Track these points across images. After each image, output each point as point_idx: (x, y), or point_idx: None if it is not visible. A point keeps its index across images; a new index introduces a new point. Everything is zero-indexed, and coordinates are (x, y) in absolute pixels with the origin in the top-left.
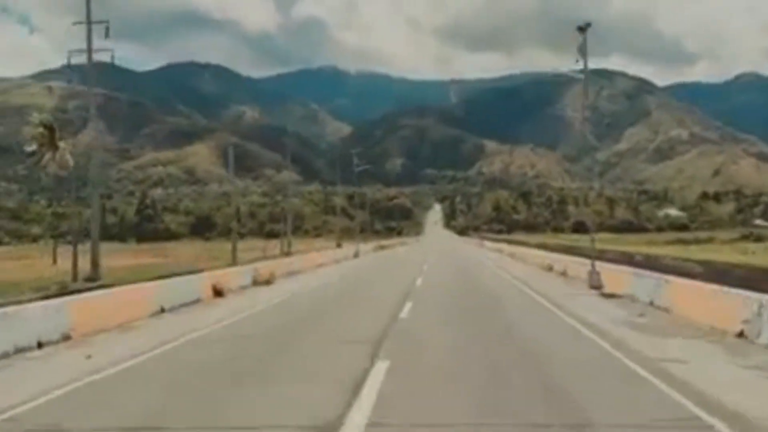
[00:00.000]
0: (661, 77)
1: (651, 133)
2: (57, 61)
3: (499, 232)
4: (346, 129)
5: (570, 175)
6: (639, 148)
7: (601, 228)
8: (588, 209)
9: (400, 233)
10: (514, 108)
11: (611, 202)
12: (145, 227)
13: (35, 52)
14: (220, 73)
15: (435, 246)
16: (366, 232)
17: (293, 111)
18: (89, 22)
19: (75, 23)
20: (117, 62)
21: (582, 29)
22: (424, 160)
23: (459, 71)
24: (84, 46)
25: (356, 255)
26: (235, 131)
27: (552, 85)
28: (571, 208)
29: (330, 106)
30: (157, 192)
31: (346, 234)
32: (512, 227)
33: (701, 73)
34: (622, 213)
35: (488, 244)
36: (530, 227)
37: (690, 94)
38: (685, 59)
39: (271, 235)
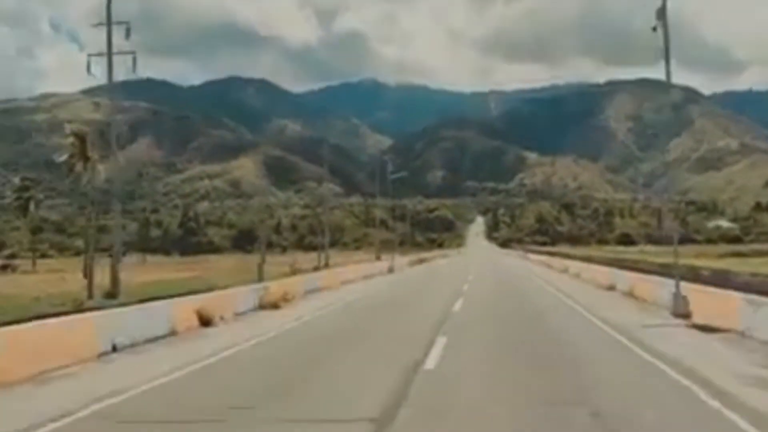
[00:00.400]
0: (708, 86)
1: (695, 142)
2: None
3: (543, 244)
4: (386, 142)
5: (613, 186)
6: (683, 158)
7: (648, 240)
8: (674, 221)
9: (441, 245)
10: (556, 119)
11: (658, 214)
12: (188, 240)
13: (84, 68)
14: (263, 87)
15: (476, 259)
16: (406, 244)
17: (334, 124)
18: (109, 23)
19: (96, 24)
20: (164, 77)
21: None
22: (465, 172)
23: (499, 82)
24: (126, 58)
25: (391, 270)
26: (277, 145)
27: (594, 96)
28: (617, 220)
29: (370, 119)
30: (203, 205)
31: (387, 246)
32: (556, 239)
33: (751, 81)
34: (669, 225)
35: (533, 256)
36: (574, 239)
37: (739, 102)
38: (734, 67)
39: (311, 248)
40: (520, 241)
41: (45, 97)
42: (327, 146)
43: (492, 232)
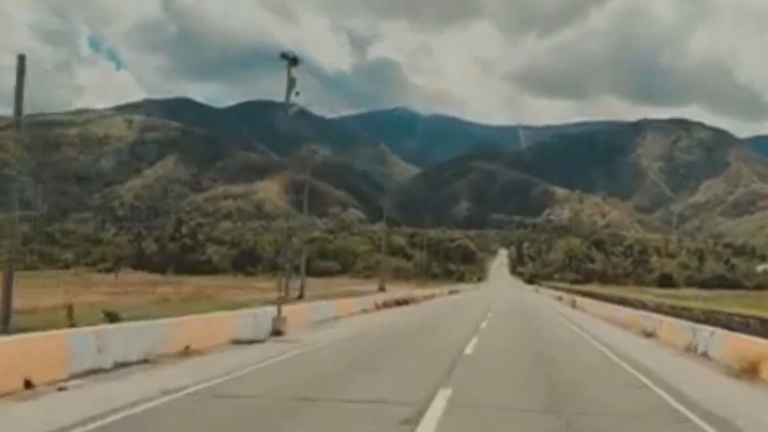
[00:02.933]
0: (740, 128)
1: (729, 185)
2: (139, 95)
3: (573, 282)
4: (414, 170)
5: (643, 226)
6: (716, 200)
7: (689, 282)
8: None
9: (460, 278)
10: (585, 155)
11: (700, 254)
12: (186, 258)
13: (120, 86)
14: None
15: (498, 297)
16: (419, 276)
17: (363, 151)
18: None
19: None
20: (199, 99)
21: None
22: (491, 204)
23: (529, 116)
24: (165, 82)
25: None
26: (305, 168)
27: (625, 134)
28: (654, 259)
29: (400, 147)
30: (225, 225)
31: (401, 275)
32: (587, 277)
33: None
34: (711, 267)
35: (580, 301)
36: (608, 278)
37: None
38: (765, 111)
39: (321, 273)
40: (547, 278)
41: (79, 112)
42: (355, 173)
43: (517, 266)
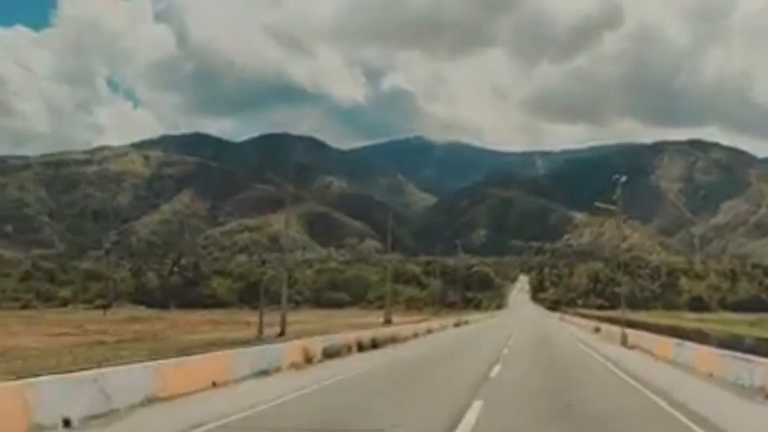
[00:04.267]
0: (758, 148)
1: (751, 206)
2: (155, 132)
3: (599, 307)
4: (431, 199)
5: (665, 249)
6: (738, 221)
7: (723, 305)
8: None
9: (478, 306)
10: (604, 179)
11: (732, 276)
12: (188, 292)
13: (137, 123)
14: (311, 143)
15: (516, 327)
16: (435, 305)
17: (380, 182)
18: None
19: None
20: (216, 134)
21: None
22: (510, 231)
23: (546, 142)
24: (182, 119)
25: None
26: (321, 200)
27: (642, 156)
28: (683, 282)
29: (416, 176)
30: (241, 258)
31: (414, 305)
32: (614, 302)
33: None
34: (744, 288)
35: (632, 336)
36: (636, 302)
37: None
38: None
39: (331, 304)
40: (571, 303)
41: (97, 150)
42: (373, 203)
43: (538, 292)
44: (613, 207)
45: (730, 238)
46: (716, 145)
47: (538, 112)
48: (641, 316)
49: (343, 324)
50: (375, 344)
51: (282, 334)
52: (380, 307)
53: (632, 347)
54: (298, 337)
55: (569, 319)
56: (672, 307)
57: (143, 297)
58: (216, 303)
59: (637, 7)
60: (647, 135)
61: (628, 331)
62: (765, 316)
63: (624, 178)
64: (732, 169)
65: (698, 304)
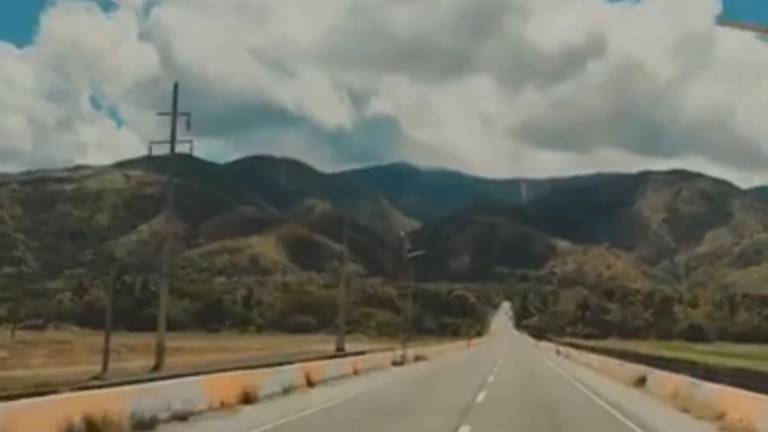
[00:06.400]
0: (741, 179)
1: (735, 236)
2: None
3: (589, 336)
4: (415, 224)
5: (648, 277)
6: (722, 251)
7: (723, 335)
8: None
9: (456, 332)
10: (588, 207)
11: (731, 305)
12: (139, 314)
13: (119, 142)
14: (295, 167)
15: (494, 364)
16: (409, 331)
17: (363, 206)
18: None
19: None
20: (198, 155)
21: None
22: (493, 257)
23: (530, 169)
24: (165, 138)
25: None
26: (303, 223)
27: (626, 185)
28: (677, 309)
29: (400, 201)
30: (220, 280)
31: (386, 331)
32: (604, 331)
33: None
34: (743, 317)
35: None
36: (627, 331)
37: None
38: (766, 162)
39: (296, 329)
40: (559, 332)
41: (77, 168)
42: (353, 227)
43: (522, 319)
44: None
45: (714, 268)
46: (700, 176)
47: (523, 139)
48: (640, 346)
49: (274, 354)
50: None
51: (156, 368)
52: (349, 332)
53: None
54: (198, 368)
55: (568, 354)
56: (667, 336)
57: (90, 317)
58: (168, 325)
59: (620, 38)
60: (631, 164)
61: (648, 372)
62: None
63: None
64: (715, 199)
65: (696, 334)
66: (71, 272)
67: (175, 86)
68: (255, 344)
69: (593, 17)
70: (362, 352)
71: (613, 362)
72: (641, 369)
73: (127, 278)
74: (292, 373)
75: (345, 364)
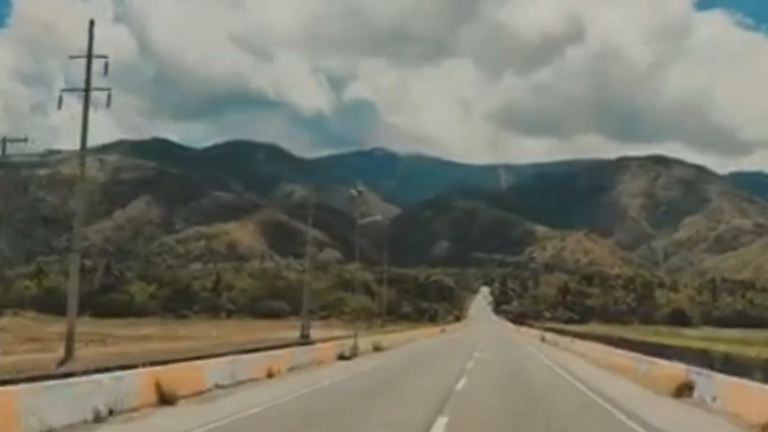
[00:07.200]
0: (719, 165)
1: (711, 222)
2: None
3: (569, 321)
4: (394, 210)
5: (626, 263)
6: (699, 237)
7: (707, 320)
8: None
9: (433, 318)
10: (566, 194)
11: (713, 289)
12: (105, 298)
13: (95, 127)
14: (273, 152)
15: (474, 358)
16: (383, 316)
17: (342, 192)
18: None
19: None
20: (176, 139)
21: None
22: (472, 243)
23: (509, 155)
24: (142, 123)
25: None
26: (282, 209)
27: (605, 171)
28: (659, 294)
29: (379, 187)
30: (197, 267)
31: (364, 316)
32: (585, 315)
33: (760, 163)
34: (726, 302)
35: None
36: (609, 316)
37: (750, 183)
38: (743, 148)
39: (268, 314)
40: (538, 316)
41: (50, 153)
42: (329, 211)
43: (501, 304)
44: None
45: (691, 253)
46: (678, 162)
47: (502, 124)
48: (624, 331)
49: (225, 343)
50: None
51: (63, 362)
52: (324, 318)
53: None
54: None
55: (555, 341)
56: (650, 321)
57: (51, 303)
58: (135, 311)
59: (599, 25)
60: (610, 150)
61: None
62: (758, 334)
63: None
64: (692, 185)
65: (679, 319)
66: (45, 259)
67: (91, 24)
68: (213, 332)
69: (573, 3)
70: (327, 339)
71: (620, 354)
72: (678, 369)
73: (87, 262)
74: (131, 384)
75: (255, 363)
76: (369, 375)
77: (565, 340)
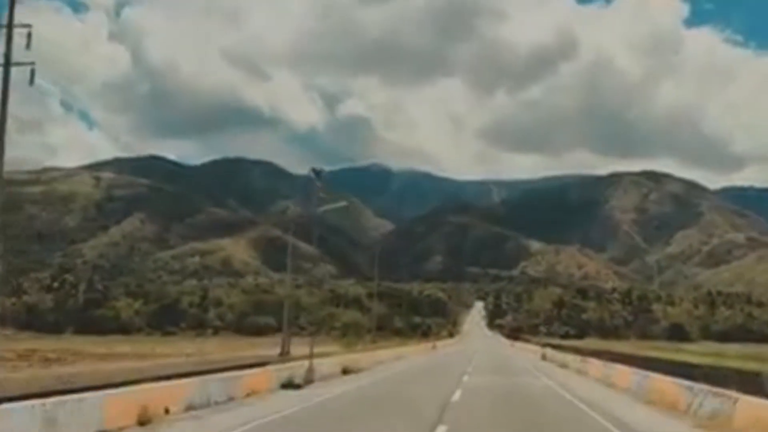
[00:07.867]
0: (710, 180)
1: (704, 236)
2: (109, 153)
3: (566, 336)
4: (388, 226)
5: (619, 277)
6: (692, 251)
7: (706, 335)
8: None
9: (426, 333)
10: (559, 209)
11: (711, 302)
12: (90, 315)
13: (90, 145)
14: (268, 169)
15: (463, 385)
16: (374, 331)
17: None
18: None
19: None
20: (170, 157)
21: None
22: (466, 258)
23: (501, 171)
24: (136, 140)
25: None
26: (277, 225)
27: (597, 187)
28: (656, 308)
29: (373, 203)
30: (191, 283)
31: (355, 331)
32: (581, 330)
33: (751, 178)
34: (724, 315)
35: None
36: (606, 330)
37: (741, 198)
38: (734, 163)
39: (256, 331)
40: (533, 331)
41: (45, 170)
42: (327, 229)
43: (495, 318)
44: None
45: (684, 267)
46: (669, 177)
47: (494, 141)
48: (622, 346)
49: (199, 361)
50: None
51: None
52: (313, 334)
53: None
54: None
55: (564, 362)
56: (648, 336)
57: (34, 320)
58: (120, 327)
59: (591, 41)
60: (601, 166)
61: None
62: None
63: None
64: (685, 200)
65: (678, 333)
66: (38, 275)
67: None
68: (188, 349)
69: (564, 20)
70: (308, 356)
71: (662, 380)
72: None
73: (69, 277)
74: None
75: (123, 403)
76: (309, 419)
77: (574, 360)
